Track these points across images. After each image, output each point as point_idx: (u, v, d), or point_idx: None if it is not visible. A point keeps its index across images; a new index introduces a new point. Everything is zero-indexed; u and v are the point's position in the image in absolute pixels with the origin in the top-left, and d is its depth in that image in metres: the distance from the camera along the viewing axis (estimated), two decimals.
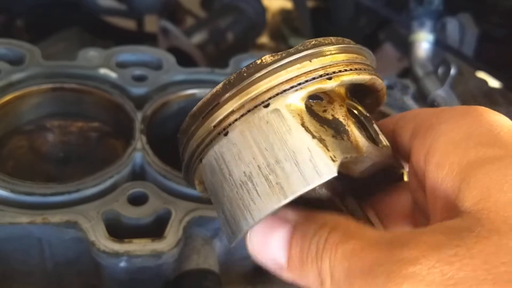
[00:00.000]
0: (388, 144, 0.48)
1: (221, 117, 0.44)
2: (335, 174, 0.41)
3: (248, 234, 0.45)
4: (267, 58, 0.44)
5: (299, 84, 0.43)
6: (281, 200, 0.42)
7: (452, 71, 1.18)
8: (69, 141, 0.86)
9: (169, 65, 0.91)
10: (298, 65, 0.44)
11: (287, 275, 0.44)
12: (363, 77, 0.46)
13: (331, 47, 0.45)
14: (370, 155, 0.45)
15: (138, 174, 0.75)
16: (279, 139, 0.43)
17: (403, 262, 0.36)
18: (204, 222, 0.70)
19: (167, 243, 0.64)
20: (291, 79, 0.44)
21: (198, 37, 1.39)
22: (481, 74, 1.23)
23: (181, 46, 1.33)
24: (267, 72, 0.44)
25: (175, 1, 1.58)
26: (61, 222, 0.65)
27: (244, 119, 0.44)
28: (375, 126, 0.48)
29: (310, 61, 0.44)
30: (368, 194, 0.52)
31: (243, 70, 0.44)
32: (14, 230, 0.65)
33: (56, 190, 0.68)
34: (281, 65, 0.44)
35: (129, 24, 1.61)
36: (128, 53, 0.92)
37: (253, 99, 0.43)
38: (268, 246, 0.44)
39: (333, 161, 0.42)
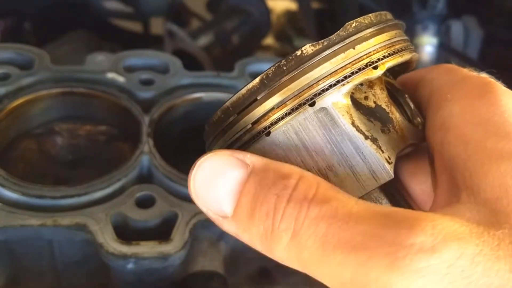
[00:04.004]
0: (422, 119, 0.45)
1: (260, 114, 0.40)
2: (392, 177, 0.40)
3: (192, 171, 0.39)
4: (308, 48, 0.40)
5: (345, 77, 0.39)
6: None
7: None
8: (77, 144, 0.87)
9: (176, 69, 0.93)
10: (342, 55, 0.39)
11: (227, 227, 0.38)
12: (405, 57, 0.43)
13: (371, 29, 0.41)
14: (412, 139, 0.43)
15: (145, 177, 0.77)
16: (329, 142, 0.40)
17: (416, 249, 0.29)
18: (210, 225, 0.71)
19: (174, 245, 0.66)
20: (335, 71, 0.39)
21: (204, 40, 1.40)
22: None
23: (187, 48, 1.35)
24: (309, 66, 0.39)
25: (181, 3, 1.59)
26: (70, 225, 0.67)
27: (287, 119, 0.40)
28: (408, 100, 0.46)
29: (354, 48, 0.40)
30: None
31: (282, 63, 0.40)
32: (25, 232, 0.67)
33: (66, 193, 0.70)
34: (324, 57, 0.39)
35: (135, 26, 1.63)
36: (135, 57, 0.94)
37: (295, 96, 0.39)
38: (214, 188, 0.37)
39: (389, 163, 0.40)
